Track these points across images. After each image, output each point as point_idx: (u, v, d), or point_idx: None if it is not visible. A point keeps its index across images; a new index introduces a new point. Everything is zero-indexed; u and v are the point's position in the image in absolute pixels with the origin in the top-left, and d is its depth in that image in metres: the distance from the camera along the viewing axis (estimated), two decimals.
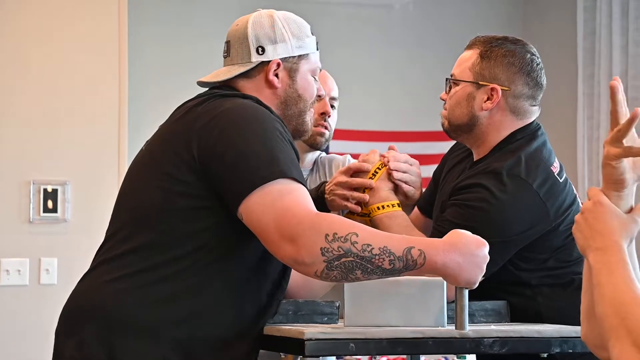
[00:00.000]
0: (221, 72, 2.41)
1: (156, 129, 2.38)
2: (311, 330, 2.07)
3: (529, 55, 2.69)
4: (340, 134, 5.98)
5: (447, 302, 2.27)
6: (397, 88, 6.16)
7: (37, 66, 4.51)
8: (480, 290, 2.31)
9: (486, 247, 2.16)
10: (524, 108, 2.69)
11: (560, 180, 2.63)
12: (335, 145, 5.85)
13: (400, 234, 2.27)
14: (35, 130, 4.47)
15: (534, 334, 2.23)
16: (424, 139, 6.06)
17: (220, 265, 2.20)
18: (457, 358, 2.96)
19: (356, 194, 2.69)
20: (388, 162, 2.74)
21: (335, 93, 3.22)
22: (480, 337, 2.18)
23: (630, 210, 1.79)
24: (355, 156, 3.06)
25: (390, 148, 2.78)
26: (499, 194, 2.56)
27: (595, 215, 1.79)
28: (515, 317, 2.59)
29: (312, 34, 2.44)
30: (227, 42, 2.43)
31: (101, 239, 2.32)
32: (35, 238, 4.45)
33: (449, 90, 2.73)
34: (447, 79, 2.75)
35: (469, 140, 2.74)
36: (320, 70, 2.49)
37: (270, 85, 2.37)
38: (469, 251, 2.13)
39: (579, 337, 2.21)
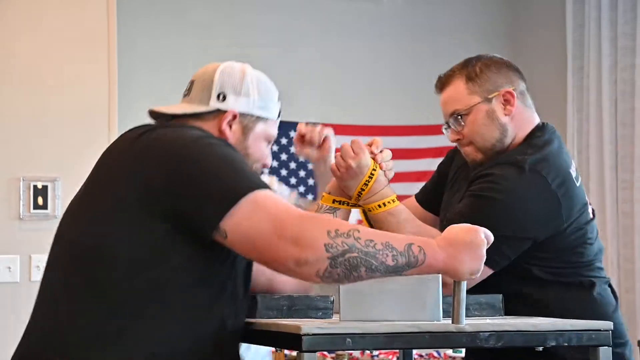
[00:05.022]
0: (176, 107, 2.36)
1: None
2: (308, 325, 2.07)
3: (501, 58, 2.74)
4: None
5: (443, 296, 2.27)
6: (386, 83, 6.16)
7: (25, 61, 4.49)
8: (491, 282, 2.34)
9: (479, 232, 2.13)
10: (530, 101, 2.74)
11: (577, 185, 2.64)
12: None
13: (408, 230, 2.26)
14: (25, 126, 4.44)
15: (530, 328, 2.23)
16: (414, 133, 6.06)
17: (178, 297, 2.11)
18: (453, 352, 2.97)
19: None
20: (380, 160, 2.68)
21: None
22: (477, 331, 2.18)
23: None
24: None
25: (372, 143, 2.68)
26: (517, 187, 2.56)
27: None
28: (529, 310, 2.58)
29: (278, 100, 2.40)
30: (192, 82, 2.38)
31: None
32: (26, 235, 4.43)
33: (461, 127, 2.69)
34: (454, 117, 2.68)
35: (503, 152, 2.69)
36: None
37: (221, 134, 2.30)
38: (462, 241, 2.12)
39: (575, 331, 2.23)
